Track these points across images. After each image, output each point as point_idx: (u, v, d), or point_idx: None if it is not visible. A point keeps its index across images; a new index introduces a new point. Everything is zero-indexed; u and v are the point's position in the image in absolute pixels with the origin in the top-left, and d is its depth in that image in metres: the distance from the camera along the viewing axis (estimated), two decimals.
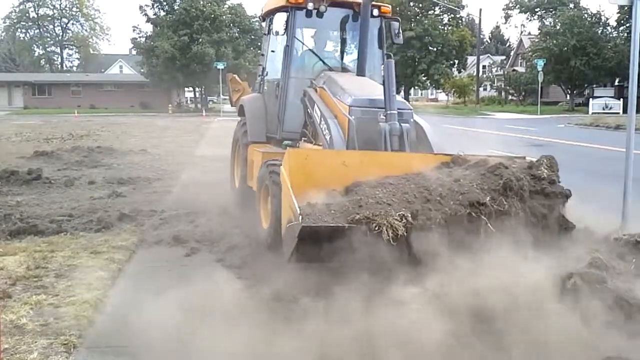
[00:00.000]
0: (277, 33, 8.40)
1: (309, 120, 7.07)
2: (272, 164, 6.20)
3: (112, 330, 4.49)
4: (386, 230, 4.48)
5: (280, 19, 8.12)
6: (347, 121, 6.13)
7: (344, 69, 7.81)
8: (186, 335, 4.30)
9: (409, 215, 4.58)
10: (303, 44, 7.94)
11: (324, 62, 7.75)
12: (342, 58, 8.16)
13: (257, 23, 53.87)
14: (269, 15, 8.39)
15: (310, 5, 7.31)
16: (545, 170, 5.25)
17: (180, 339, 4.25)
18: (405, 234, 4.50)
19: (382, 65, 6.69)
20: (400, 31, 7.82)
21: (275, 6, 7.99)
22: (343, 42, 8.17)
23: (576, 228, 5.27)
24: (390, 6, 8.19)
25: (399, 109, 6.05)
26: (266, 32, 8.49)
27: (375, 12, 7.65)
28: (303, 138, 7.31)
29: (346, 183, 5.10)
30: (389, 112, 5.92)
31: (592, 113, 40.68)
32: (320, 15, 7.40)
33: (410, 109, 6.35)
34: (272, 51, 8.36)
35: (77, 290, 5.18)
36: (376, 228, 4.49)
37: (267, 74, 8.47)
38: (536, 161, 5.39)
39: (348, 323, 4.00)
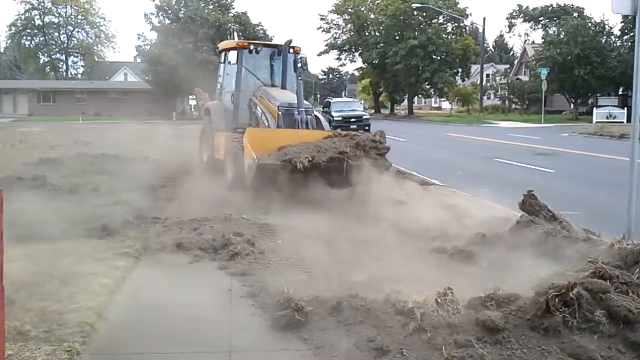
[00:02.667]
0: (230, 62, 13.28)
1: (253, 116, 12.05)
2: (235, 140, 11.06)
3: (115, 337, 4.49)
4: (299, 164, 9.26)
5: (232, 54, 13.18)
6: (277, 115, 11.01)
7: (273, 85, 12.57)
8: (189, 342, 4.31)
9: (310, 157, 9.38)
10: (247, 69, 12.49)
11: (260, 81, 12.57)
12: (271, 78, 12.81)
13: (261, 31, 54.14)
14: (224, 51, 13.71)
15: (251, 47, 12.39)
16: (379, 137, 10.55)
17: (184, 346, 4.26)
18: (309, 166, 9.32)
19: (296, 83, 11.54)
20: (307, 63, 12.15)
21: (229, 46, 13.47)
22: (272, 68, 12.87)
23: (578, 237, 5.76)
24: (300, 46, 12.82)
25: (305, 108, 11.14)
26: (222, 62, 13.79)
27: (291, 50, 12.50)
28: (249, 127, 11.39)
29: (279, 146, 9.85)
30: (299, 109, 10.98)
31: (596, 122, 40.56)
32: (257, 52, 12.43)
33: (312, 108, 11.72)
34: (227, 74, 13.25)
35: (81, 296, 5.16)
36: (294, 164, 9.25)
37: (224, 88, 13.37)
38: (374, 133, 10.97)
39: None
